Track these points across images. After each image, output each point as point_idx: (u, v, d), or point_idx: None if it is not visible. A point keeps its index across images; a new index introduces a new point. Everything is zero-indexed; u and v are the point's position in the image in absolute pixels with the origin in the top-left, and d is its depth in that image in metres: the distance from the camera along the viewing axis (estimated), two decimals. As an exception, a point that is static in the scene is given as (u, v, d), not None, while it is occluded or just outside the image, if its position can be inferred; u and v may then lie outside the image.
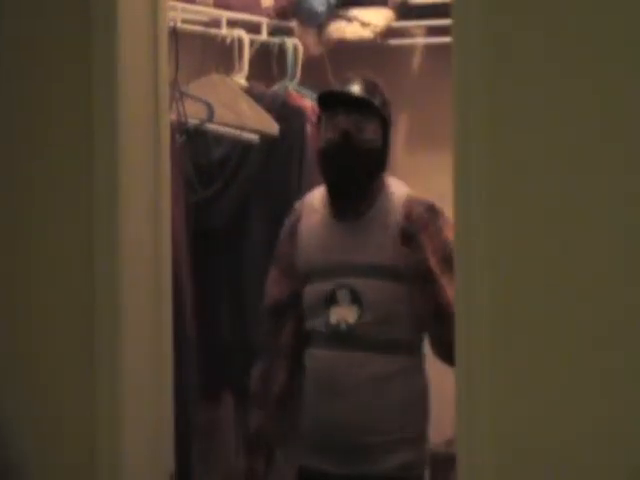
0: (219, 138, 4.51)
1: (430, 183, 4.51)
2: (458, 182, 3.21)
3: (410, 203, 3.68)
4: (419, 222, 3.64)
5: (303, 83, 4.92)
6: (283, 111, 4.71)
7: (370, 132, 3.63)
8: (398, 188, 3.78)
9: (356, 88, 3.68)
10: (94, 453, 3.66)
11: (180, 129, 4.38)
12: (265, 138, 4.50)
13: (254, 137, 4.44)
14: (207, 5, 4.70)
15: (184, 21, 4.49)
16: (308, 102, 4.82)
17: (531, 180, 3.24)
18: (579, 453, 3.28)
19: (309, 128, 4.72)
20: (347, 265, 3.66)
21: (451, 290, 3.42)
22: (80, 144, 3.58)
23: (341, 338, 3.63)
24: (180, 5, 4.46)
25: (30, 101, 3.72)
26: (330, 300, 3.64)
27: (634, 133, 3.16)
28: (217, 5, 4.72)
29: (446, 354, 3.54)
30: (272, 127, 4.59)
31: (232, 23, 4.72)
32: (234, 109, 4.52)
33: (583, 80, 3.17)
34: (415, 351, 3.73)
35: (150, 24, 3.69)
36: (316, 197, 3.84)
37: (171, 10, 4.12)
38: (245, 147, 4.48)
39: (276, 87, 4.83)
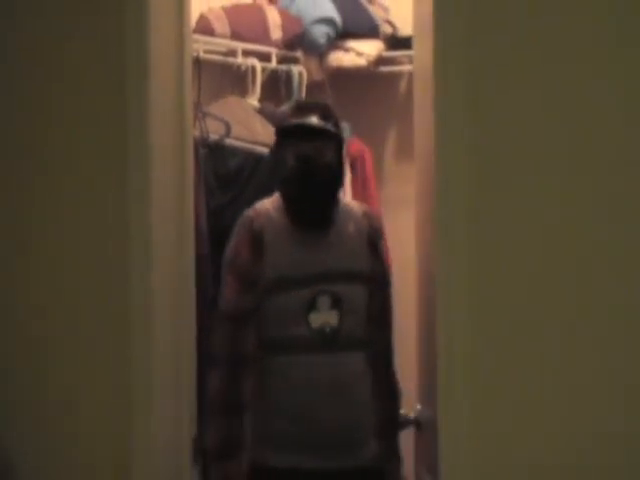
0: (235, 151, 4.46)
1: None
2: (438, 184, 3.19)
3: (367, 216, 3.60)
4: (378, 232, 3.58)
5: None
6: None
7: (328, 155, 3.44)
8: (350, 201, 3.80)
9: (314, 119, 3.46)
10: (130, 421, 3.51)
11: (202, 143, 4.38)
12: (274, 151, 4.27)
13: (265, 150, 4.41)
14: (225, 38, 4.68)
15: (206, 51, 4.51)
16: None
17: (511, 174, 3.16)
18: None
19: None
20: (324, 273, 3.45)
21: (384, 301, 3.58)
22: (116, 156, 3.53)
23: (326, 341, 3.41)
24: (202, 38, 4.49)
25: (70, 118, 3.62)
26: (310, 306, 3.41)
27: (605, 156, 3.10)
28: (233, 38, 4.70)
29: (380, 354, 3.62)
30: None
31: (246, 53, 4.72)
32: (248, 126, 4.51)
33: (556, 96, 3.12)
34: (371, 345, 3.58)
35: (177, 54, 3.72)
36: (270, 210, 3.59)
37: (195, 42, 4.17)
38: (257, 159, 4.44)
39: (284, 107, 4.76)
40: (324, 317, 3.37)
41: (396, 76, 4.37)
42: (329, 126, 3.43)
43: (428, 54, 3.53)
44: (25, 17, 3.77)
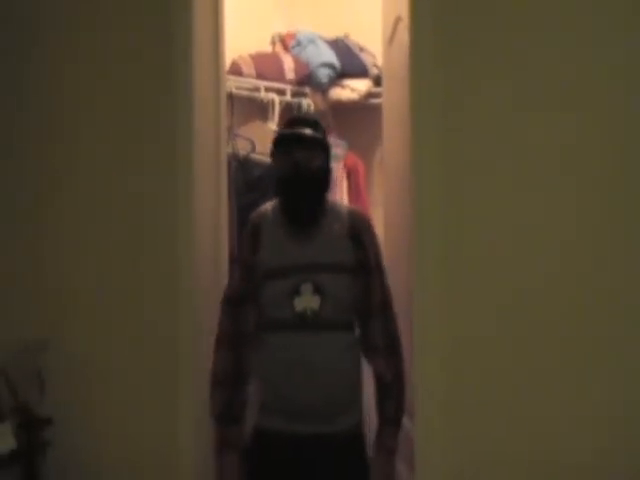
0: (258, 163, 4.46)
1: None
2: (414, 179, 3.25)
3: (352, 215, 3.33)
4: (362, 227, 3.29)
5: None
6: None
7: (317, 161, 3.23)
8: (339, 204, 3.49)
9: (307, 129, 3.25)
10: (177, 358, 3.54)
11: (234, 158, 4.39)
12: None
13: None
14: (251, 78, 4.70)
15: (236, 88, 4.54)
16: None
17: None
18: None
19: None
20: (309, 264, 3.22)
21: (378, 287, 3.28)
22: (167, 167, 3.60)
23: (307, 322, 3.18)
24: (234, 78, 4.52)
25: (132, 141, 3.67)
26: (294, 292, 3.19)
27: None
28: (258, 77, 4.73)
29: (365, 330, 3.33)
30: None
31: (267, 89, 4.74)
32: (268, 145, 4.10)
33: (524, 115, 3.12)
34: (354, 328, 3.32)
35: (215, 90, 3.81)
36: (268, 211, 3.37)
37: (228, 81, 4.18)
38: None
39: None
40: (306, 302, 3.19)
41: (381, 107, 4.45)
42: (317, 135, 3.25)
43: (396, 90, 3.66)
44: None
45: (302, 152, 3.23)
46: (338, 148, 4.90)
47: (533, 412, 3.11)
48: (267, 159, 4.28)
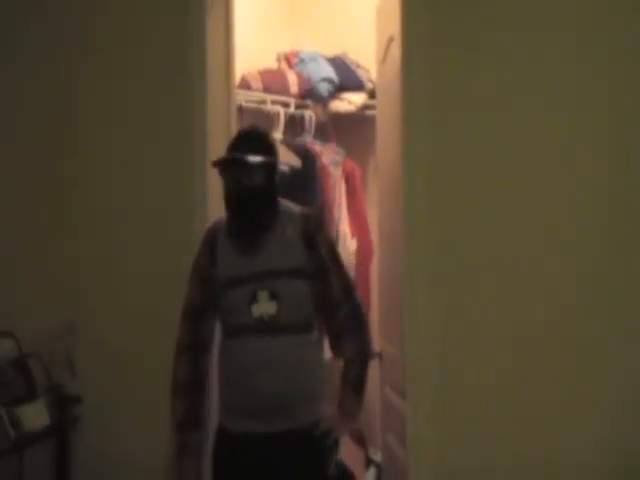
0: None
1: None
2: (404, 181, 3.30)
3: (304, 217, 3.11)
4: (314, 230, 3.09)
5: (315, 137, 4.87)
6: (303, 153, 4.65)
7: (255, 179, 3.01)
8: (292, 207, 3.17)
9: (243, 150, 3.04)
10: None
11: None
12: (292, 169, 4.44)
13: (286, 168, 4.22)
14: (259, 92, 4.66)
15: (246, 101, 4.51)
16: (318, 148, 4.77)
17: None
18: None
19: (318, 163, 4.66)
20: (264, 271, 3.03)
21: (338, 279, 3.10)
22: (183, 172, 3.63)
23: (265, 327, 3.00)
24: (243, 92, 4.49)
25: (149, 148, 3.69)
26: (252, 299, 3.01)
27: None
28: (264, 91, 4.70)
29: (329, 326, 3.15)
30: (296, 162, 4.56)
31: (273, 102, 4.71)
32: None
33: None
34: (315, 328, 3.10)
35: (226, 103, 3.83)
36: (223, 223, 3.16)
37: (238, 95, 4.17)
38: (280, 174, 3.94)
39: (299, 139, 4.81)
40: (263, 307, 3.01)
41: (375, 118, 4.46)
42: (250, 159, 3.02)
43: (389, 103, 3.66)
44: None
45: (239, 174, 3.04)
46: (337, 155, 4.91)
47: (521, 396, 3.12)
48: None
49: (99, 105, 3.80)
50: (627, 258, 3.01)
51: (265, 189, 3.08)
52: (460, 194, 3.21)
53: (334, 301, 3.12)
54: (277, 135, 4.66)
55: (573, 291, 3.06)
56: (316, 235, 3.10)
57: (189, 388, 3.11)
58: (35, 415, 3.38)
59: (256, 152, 3.06)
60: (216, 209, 3.60)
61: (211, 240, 3.15)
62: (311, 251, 3.08)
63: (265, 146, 3.12)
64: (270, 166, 3.10)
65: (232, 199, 3.07)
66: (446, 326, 3.20)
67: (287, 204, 3.19)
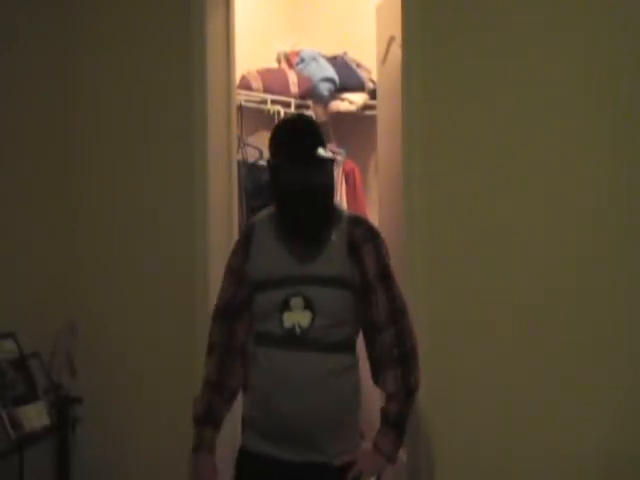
0: (266, 169, 4.11)
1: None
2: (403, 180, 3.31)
3: (353, 223, 2.76)
4: (362, 239, 2.72)
5: None
6: None
7: (325, 172, 2.72)
8: (341, 209, 2.86)
9: (311, 142, 2.69)
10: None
11: (243, 164, 4.37)
12: None
13: None
14: (259, 91, 4.68)
15: (246, 101, 4.53)
16: None
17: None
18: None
19: None
20: (301, 276, 2.69)
21: (385, 299, 2.72)
22: (184, 171, 3.65)
23: (295, 340, 2.67)
24: (243, 92, 4.51)
25: (148, 141, 3.71)
26: (284, 306, 2.68)
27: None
28: (265, 91, 4.71)
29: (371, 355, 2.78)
30: None
31: (274, 102, 4.71)
32: None
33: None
34: (354, 350, 2.77)
35: (226, 103, 3.82)
36: (264, 218, 2.82)
37: (238, 95, 4.19)
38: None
39: None
40: (296, 317, 2.68)
41: (376, 118, 4.46)
42: (328, 156, 2.75)
43: (389, 103, 3.68)
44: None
45: (314, 170, 2.69)
46: (338, 155, 4.93)
47: (521, 395, 3.12)
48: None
49: (100, 105, 3.83)
50: (627, 246, 3.01)
51: (331, 186, 2.78)
52: (460, 194, 3.22)
53: (377, 323, 2.75)
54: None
55: (573, 283, 3.06)
56: (363, 244, 2.74)
57: (211, 387, 2.83)
58: (35, 415, 3.38)
59: (322, 145, 2.73)
60: (217, 209, 3.69)
61: (245, 239, 2.85)
62: (355, 261, 2.73)
63: (324, 139, 2.79)
64: (332, 164, 2.84)
65: (296, 196, 2.68)
66: (445, 323, 3.21)
67: (337, 207, 2.86)
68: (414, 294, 3.25)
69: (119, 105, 3.79)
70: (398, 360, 2.73)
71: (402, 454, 3.40)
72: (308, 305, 2.69)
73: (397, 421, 2.73)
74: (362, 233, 2.76)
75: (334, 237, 2.73)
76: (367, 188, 5.18)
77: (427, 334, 3.17)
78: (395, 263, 3.47)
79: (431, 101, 3.24)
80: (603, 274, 3.02)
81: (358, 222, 2.80)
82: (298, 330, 2.69)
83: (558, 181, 3.08)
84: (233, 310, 2.83)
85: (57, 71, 3.82)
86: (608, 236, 3.02)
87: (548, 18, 3.09)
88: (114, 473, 3.73)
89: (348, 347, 2.76)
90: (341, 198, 4.94)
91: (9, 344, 3.45)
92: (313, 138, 2.72)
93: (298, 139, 2.72)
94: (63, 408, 3.57)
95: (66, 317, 3.72)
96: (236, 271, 2.83)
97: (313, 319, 2.69)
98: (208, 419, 2.80)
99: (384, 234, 3.72)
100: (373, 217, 4.63)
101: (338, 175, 4.89)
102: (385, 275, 2.76)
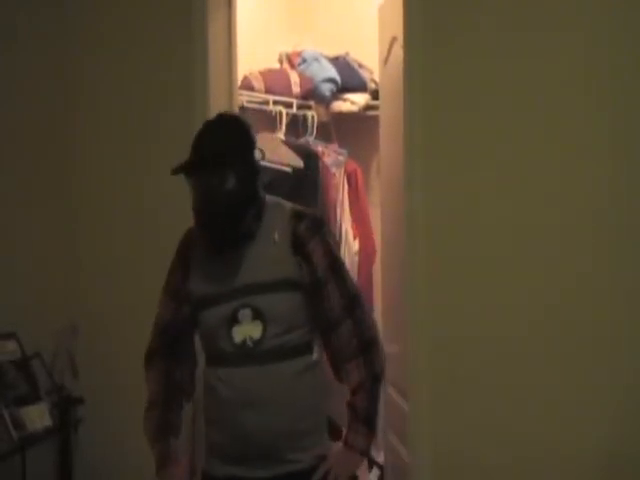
0: (268, 169, 4.22)
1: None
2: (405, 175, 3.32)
3: (295, 217, 2.57)
4: (306, 234, 2.54)
5: (317, 137, 4.84)
6: (305, 153, 4.60)
7: (228, 177, 2.49)
8: (284, 206, 2.63)
9: (207, 146, 2.53)
10: None
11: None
12: (295, 169, 4.44)
13: (288, 169, 4.39)
14: (261, 92, 4.64)
15: (248, 102, 4.49)
16: (320, 148, 4.75)
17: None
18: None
19: (320, 164, 4.63)
20: (244, 286, 2.51)
21: (337, 292, 2.57)
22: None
23: (249, 353, 2.51)
24: (245, 92, 4.48)
25: (155, 146, 3.71)
26: (231, 321, 2.51)
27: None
28: (267, 92, 4.67)
29: (331, 360, 2.64)
30: (299, 163, 4.50)
31: (275, 102, 4.67)
32: (276, 152, 4.40)
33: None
34: (312, 349, 2.61)
35: (228, 103, 3.84)
36: (196, 232, 2.63)
37: (240, 95, 4.20)
38: (283, 174, 4.36)
39: (302, 140, 4.78)
40: (246, 330, 2.51)
41: (377, 118, 4.48)
42: (220, 155, 2.51)
43: (392, 103, 3.70)
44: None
45: (206, 177, 2.52)
46: (340, 156, 4.93)
47: (522, 395, 3.13)
48: (275, 166, 4.38)
49: (100, 105, 3.84)
50: (627, 246, 3.03)
51: (240, 191, 2.53)
52: (462, 195, 3.23)
53: (331, 319, 2.59)
54: (280, 135, 4.68)
55: (573, 283, 3.08)
56: (309, 239, 2.57)
57: (164, 404, 2.66)
58: (37, 416, 3.38)
59: (224, 147, 2.53)
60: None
61: (184, 252, 2.67)
62: (301, 258, 2.56)
63: (236, 138, 2.57)
64: (244, 162, 2.56)
65: (200, 208, 2.54)
66: (445, 323, 3.22)
67: (278, 203, 2.68)
68: (414, 295, 3.27)
69: (119, 105, 3.80)
70: (359, 349, 2.59)
71: (403, 454, 3.44)
72: (257, 315, 2.53)
73: (367, 414, 2.58)
74: (305, 227, 2.58)
75: (276, 237, 2.56)
76: (369, 189, 5.17)
77: (427, 334, 3.18)
78: (396, 264, 3.54)
79: (433, 102, 3.26)
80: (603, 274, 3.04)
81: (300, 216, 2.60)
82: (250, 343, 2.53)
83: (558, 181, 3.10)
84: (173, 329, 2.68)
85: (57, 71, 3.84)
86: (608, 236, 3.04)
87: (548, 18, 3.11)
88: (116, 473, 3.73)
89: (306, 349, 2.61)
90: (343, 199, 4.92)
91: (11, 344, 3.45)
92: (211, 140, 2.55)
93: (193, 146, 2.58)
94: (65, 409, 3.58)
95: (67, 317, 3.72)
96: (175, 290, 2.66)
97: (265, 329, 2.53)
98: (164, 433, 2.63)
99: (385, 235, 3.76)
100: (375, 218, 4.71)
101: (340, 175, 4.89)
102: (335, 268, 2.62)
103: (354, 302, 2.62)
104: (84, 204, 3.84)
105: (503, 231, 3.16)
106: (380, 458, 4.45)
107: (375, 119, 4.53)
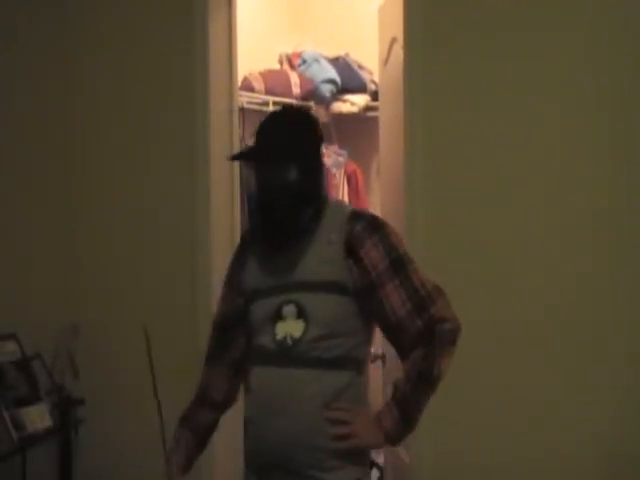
0: None
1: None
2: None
3: (353, 218, 2.39)
4: (362, 235, 2.36)
5: None
6: None
7: (287, 170, 2.34)
8: (344, 207, 2.51)
9: (267, 138, 2.40)
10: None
11: (245, 165, 4.11)
12: None
13: None
14: (261, 93, 4.69)
15: (248, 103, 4.54)
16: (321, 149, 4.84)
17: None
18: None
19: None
20: (292, 282, 2.38)
21: (401, 294, 2.35)
22: (186, 172, 3.64)
23: (287, 353, 2.34)
24: (245, 93, 4.52)
25: (158, 142, 3.71)
26: (276, 316, 2.37)
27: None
28: (267, 93, 4.72)
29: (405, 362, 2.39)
30: None
31: (275, 103, 4.66)
32: None
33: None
34: (354, 369, 2.39)
35: (228, 104, 3.85)
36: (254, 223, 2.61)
37: (240, 97, 4.20)
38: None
39: None
40: (288, 327, 2.36)
41: (377, 119, 4.47)
42: (272, 151, 2.39)
43: (391, 104, 3.69)
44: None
45: (264, 169, 2.41)
46: (340, 156, 4.98)
47: (522, 396, 3.13)
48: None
49: (100, 105, 3.84)
50: (627, 246, 3.03)
51: (300, 186, 2.39)
52: (462, 196, 3.24)
53: (395, 324, 2.37)
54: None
55: (573, 283, 3.09)
56: (365, 239, 2.37)
57: (196, 399, 2.62)
58: (38, 417, 3.36)
59: (286, 138, 2.40)
60: (218, 210, 3.70)
61: (241, 246, 2.59)
62: (353, 262, 2.37)
63: (300, 131, 2.43)
64: (307, 157, 2.42)
65: (258, 199, 2.43)
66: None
67: (339, 204, 2.59)
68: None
69: (119, 105, 3.80)
70: (428, 343, 2.34)
71: (403, 454, 3.44)
72: (301, 313, 2.37)
73: (402, 400, 2.36)
74: (362, 227, 2.39)
75: (333, 237, 2.39)
76: (369, 189, 5.22)
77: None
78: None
79: (433, 102, 3.26)
80: (603, 274, 3.05)
81: (358, 217, 2.43)
82: (289, 341, 2.36)
83: (558, 181, 3.11)
84: (227, 323, 2.58)
85: (57, 71, 3.83)
86: (608, 236, 3.05)
87: (548, 18, 3.11)
88: (116, 474, 3.73)
89: (350, 364, 2.39)
90: (343, 197, 4.94)
91: (11, 345, 3.44)
92: (272, 131, 2.42)
93: (255, 136, 2.47)
94: (65, 409, 3.58)
95: (67, 318, 3.72)
96: (231, 282, 2.58)
97: (306, 329, 2.35)
98: (185, 422, 2.60)
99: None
100: (373, 211, 4.70)
101: (340, 175, 4.90)
102: (398, 267, 2.37)
103: (427, 301, 2.37)
104: (84, 204, 3.85)
105: (503, 231, 3.17)
106: (380, 459, 4.47)
107: (375, 120, 4.54)
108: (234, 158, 2.53)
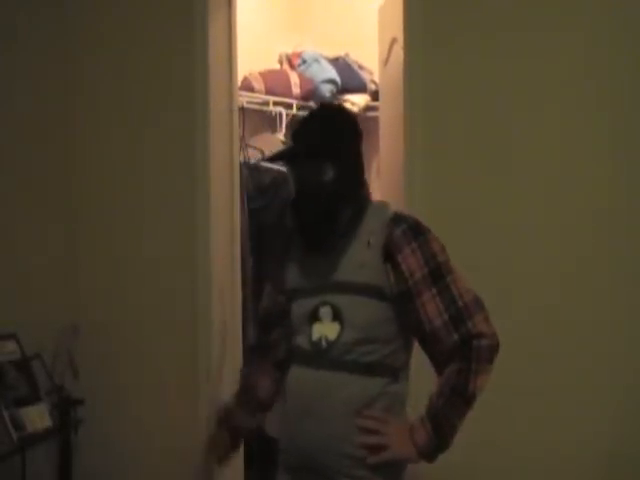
0: (268, 170, 4.39)
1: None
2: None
3: (393, 222, 2.33)
4: (401, 240, 2.30)
5: None
6: None
7: (324, 170, 2.31)
8: (386, 210, 2.42)
9: (303, 137, 2.38)
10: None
11: (245, 165, 4.34)
12: None
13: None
14: (261, 93, 4.67)
15: (248, 102, 4.53)
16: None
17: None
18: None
19: None
20: (330, 284, 2.34)
21: (438, 304, 2.29)
22: (186, 172, 3.64)
23: (322, 355, 2.31)
24: (245, 93, 4.51)
25: (159, 145, 3.70)
26: (313, 317, 2.34)
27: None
28: (267, 93, 4.70)
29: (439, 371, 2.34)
30: None
31: (275, 103, 4.72)
32: None
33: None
34: (398, 376, 2.36)
35: (228, 104, 3.85)
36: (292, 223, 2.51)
37: (240, 96, 4.21)
38: (283, 175, 4.36)
39: None
40: (324, 329, 2.32)
41: (377, 119, 4.48)
42: (307, 150, 2.34)
43: (391, 105, 3.71)
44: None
45: (301, 168, 2.40)
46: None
47: (521, 396, 3.13)
48: (275, 167, 4.39)
49: (100, 105, 3.84)
50: (627, 246, 3.04)
51: (337, 186, 2.35)
52: (462, 196, 3.24)
53: (432, 332, 2.31)
54: (279, 136, 4.70)
55: (573, 283, 3.09)
56: (404, 245, 2.32)
57: (240, 390, 2.62)
58: (38, 417, 3.35)
59: (321, 137, 2.36)
60: (218, 210, 3.70)
61: (287, 240, 2.55)
62: (391, 266, 2.32)
63: (336, 129, 2.39)
64: (345, 155, 2.39)
65: (295, 200, 2.42)
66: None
67: (382, 206, 2.50)
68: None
69: (119, 105, 3.80)
70: (464, 358, 2.28)
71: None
72: (336, 316, 2.33)
73: (435, 415, 2.30)
74: (402, 232, 2.33)
75: (372, 240, 2.34)
76: (370, 189, 5.17)
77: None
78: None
79: (433, 102, 3.26)
80: (603, 274, 3.05)
81: (399, 220, 2.37)
82: (324, 343, 2.32)
83: (558, 181, 3.11)
84: (269, 319, 2.57)
85: (57, 71, 3.83)
86: (608, 236, 3.05)
87: (548, 18, 3.12)
88: (116, 474, 3.73)
89: (386, 371, 2.34)
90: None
91: (11, 345, 3.44)
92: (308, 131, 2.40)
93: (291, 136, 2.46)
94: (65, 409, 3.57)
95: (67, 318, 3.72)
96: (274, 279, 2.56)
97: (341, 331, 2.32)
98: (235, 405, 2.60)
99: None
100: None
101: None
102: (437, 276, 2.32)
103: (461, 315, 2.31)
104: (84, 204, 3.84)
105: (503, 231, 3.17)
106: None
107: (375, 120, 4.52)
108: (271, 159, 2.53)
